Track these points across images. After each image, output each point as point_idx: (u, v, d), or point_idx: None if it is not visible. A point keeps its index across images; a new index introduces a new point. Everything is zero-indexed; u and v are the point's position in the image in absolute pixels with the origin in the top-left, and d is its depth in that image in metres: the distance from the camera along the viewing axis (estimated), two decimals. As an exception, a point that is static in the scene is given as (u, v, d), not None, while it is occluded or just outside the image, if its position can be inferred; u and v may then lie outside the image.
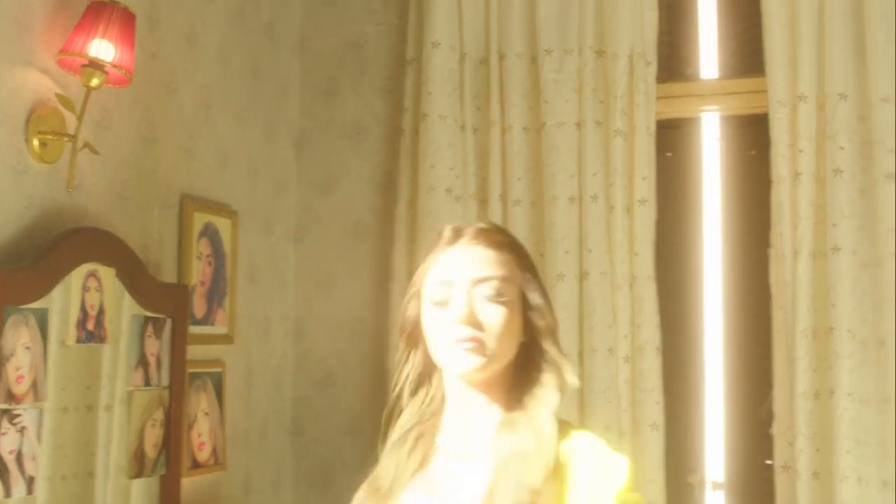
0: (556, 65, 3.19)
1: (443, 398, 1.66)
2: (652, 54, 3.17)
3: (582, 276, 3.09)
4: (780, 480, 2.94)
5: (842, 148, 2.93)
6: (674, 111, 3.31)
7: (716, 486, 3.24)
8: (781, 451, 2.95)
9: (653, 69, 3.17)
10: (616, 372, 3.04)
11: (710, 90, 3.33)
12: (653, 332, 3.05)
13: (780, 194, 3.01)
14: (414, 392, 1.67)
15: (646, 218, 3.11)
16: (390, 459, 1.64)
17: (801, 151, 2.97)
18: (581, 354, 3.06)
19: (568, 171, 3.14)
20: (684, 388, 3.25)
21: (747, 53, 3.26)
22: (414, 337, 1.65)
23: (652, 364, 3.03)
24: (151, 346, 2.69)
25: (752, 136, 3.21)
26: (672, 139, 3.35)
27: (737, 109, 3.31)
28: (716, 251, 3.32)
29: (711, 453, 3.25)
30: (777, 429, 2.96)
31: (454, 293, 1.55)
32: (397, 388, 1.68)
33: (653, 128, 3.14)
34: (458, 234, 1.63)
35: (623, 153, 3.13)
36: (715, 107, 3.34)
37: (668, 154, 3.33)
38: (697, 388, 3.26)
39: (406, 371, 1.67)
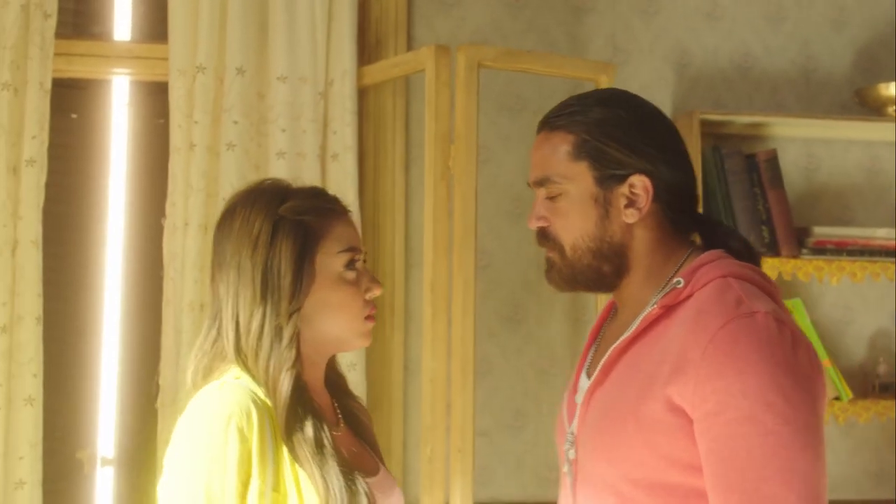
0: None
1: None
2: (52, 6, 2.90)
3: (-40, 238, 2.86)
4: (163, 454, 2.74)
5: (236, 122, 2.91)
6: (80, 70, 3.09)
7: (105, 461, 3.15)
8: (165, 425, 2.85)
9: (52, 22, 2.89)
10: None
11: (120, 52, 3.13)
12: (34, 300, 2.83)
13: (176, 164, 2.94)
14: None
15: (34, 180, 2.85)
16: None
17: (196, 122, 2.91)
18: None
19: None
20: (74, 361, 3.16)
21: (159, 18, 3.07)
22: None
23: (31, 335, 2.82)
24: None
25: (161, 103, 3.04)
26: (79, 100, 3.21)
27: (147, 75, 3.14)
28: (118, 219, 3.23)
29: (103, 428, 3.18)
30: (161, 402, 2.89)
31: None
32: None
33: (48, 85, 2.89)
34: None
35: (12, 109, 2.84)
36: (126, 70, 3.15)
37: (74, 115, 3.21)
38: (89, 360, 3.18)
39: None
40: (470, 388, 2.64)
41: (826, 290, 3.28)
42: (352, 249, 1.71)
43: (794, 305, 3.14)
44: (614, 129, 1.66)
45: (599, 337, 1.81)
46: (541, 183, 1.69)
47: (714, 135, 3.18)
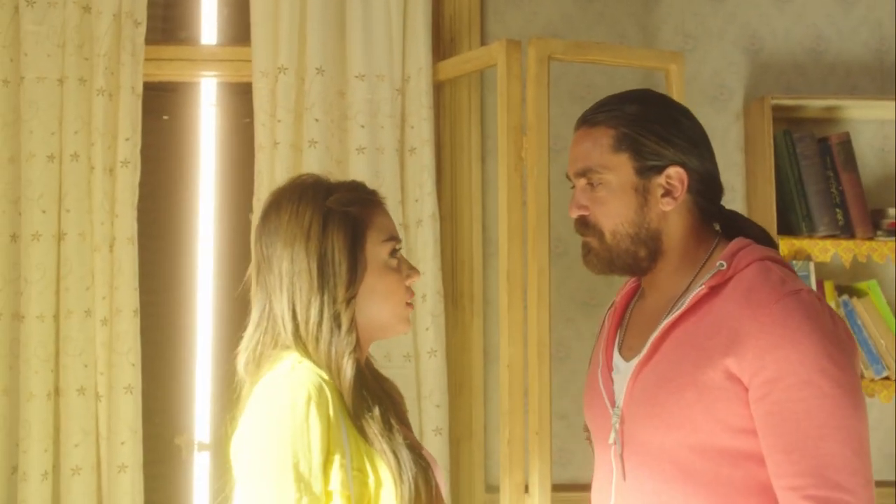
0: (38, 16, 3.00)
1: None
2: (141, 14, 3.05)
3: (60, 236, 2.99)
4: None
5: (317, 120, 3.02)
6: (169, 74, 3.23)
7: (202, 446, 3.30)
8: None
9: (142, 29, 3.05)
10: (93, 335, 2.98)
11: (205, 56, 3.27)
12: (131, 294, 2.98)
13: (261, 162, 3.05)
14: None
15: (128, 180, 2.99)
16: None
17: (279, 121, 3.02)
18: (57, 316, 2.98)
19: (48, 128, 2.99)
20: (171, 351, 3.34)
21: (243, 22, 3.19)
22: None
23: (129, 326, 2.96)
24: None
25: (247, 104, 3.17)
26: (169, 102, 3.40)
27: (232, 77, 3.28)
28: (209, 215, 3.39)
29: (199, 414, 3.34)
30: None
31: None
32: None
33: (139, 89, 3.04)
34: None
35: (106, 113, 3.00)
36: (212, 72, 3.29)
37: (165, 117, 3.40)
38: (184, 350, 3.36)
39: None
40: (546, 373, 2.71)
41: (903, 271, 3.28)
42: (393, 238, 1.80)
43: (870, 287, 3.15)
44: (651, 123, 1.78)
45: (626, 318, 1.92)
46: (582, 173, 1.81)
47: (787, 119, 3.20)
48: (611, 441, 1.80)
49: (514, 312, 2.75)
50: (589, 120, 1.84)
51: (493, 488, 3.08)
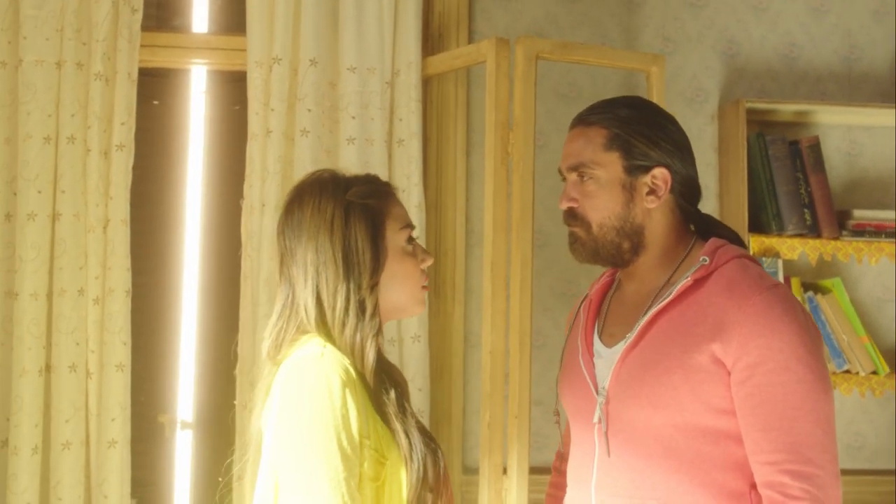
0: (38, 1, 3.07)
1: None
2: (138, 1, 3.13)
3: (55, 216, 3.06)
4: (240, 418, 3.04)
5: (309, 110, 3.10)
6: (163, 60, 3.32)
7: (185, 425, 3.39)
8: (243, 392, 3.05)
9: (138, 16, 3.13)
10: (85, 313, 3.06)
11: (199, 44, 3.36)
12: (123, 274, 3.06)
13: (253, 149, 3.13)
14: None
15: (122, 163, 3.07)
16: None
17: (272, 110, 3.09)
18: (50, 295, 3.06)
19: (45, 111, 3.06)
20: (157, 331, 3.42)
21: (235, 11, 3.31)
22: None
23: (121, 306, 3.05)
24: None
25: (236, 91, 3.29)
26: (160, 88, 3.44)
27: (223, 65, 3.37)
28: (196, 199, 3.46)
29: (183, 393, 3.42)
30: (240, 370, 3.04)
31: None
32: None
33: (135, 75, 3.12)
34: None
35: (103, 97, 3.07)
36: (203, 60, 3.37)
37: (156, 102, 3.45)
38: (170, 330, 3.43)
39: None
40: (527, 360, 2.81)
41: (865, 270, 3.42)
42: (409, 226, 1.91)
43: (834, 284, 3.29)
44: (641, 126, 1.93)
45: (605, 308, 2.05)
46: (575, 168, 1.95)
47: (760, 122, 3.33)
48: (595, 420, 1.91)
49: (497, 301, 2.84)
50: (584, 120, 1.97)
51: (470, 470, 3.19)
